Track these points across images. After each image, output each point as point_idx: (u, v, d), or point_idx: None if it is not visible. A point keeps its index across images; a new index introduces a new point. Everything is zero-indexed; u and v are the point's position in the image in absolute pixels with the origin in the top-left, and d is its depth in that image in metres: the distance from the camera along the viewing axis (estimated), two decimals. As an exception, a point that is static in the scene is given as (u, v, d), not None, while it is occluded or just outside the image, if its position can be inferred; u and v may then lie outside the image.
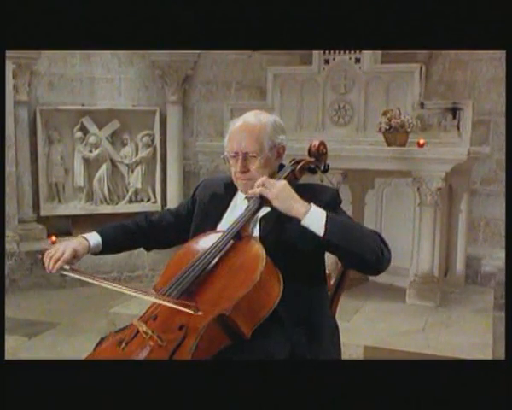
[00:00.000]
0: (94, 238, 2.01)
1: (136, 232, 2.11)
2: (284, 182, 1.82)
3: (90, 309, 4.16)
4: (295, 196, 1.77)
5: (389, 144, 3.92)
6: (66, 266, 1.87)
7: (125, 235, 2.10)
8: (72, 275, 1.87)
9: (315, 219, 1.73)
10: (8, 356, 2.70)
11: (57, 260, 1.87)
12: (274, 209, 1.83)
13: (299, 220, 1.74)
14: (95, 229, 2.06)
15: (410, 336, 3.41)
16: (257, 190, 1.79)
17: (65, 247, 1.91)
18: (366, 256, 1.76)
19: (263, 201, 1.83)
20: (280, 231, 1.85)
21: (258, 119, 1.93)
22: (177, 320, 1.68)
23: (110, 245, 2.05)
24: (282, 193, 1.77)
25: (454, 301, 4.02)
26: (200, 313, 1.62)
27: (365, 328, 3.52)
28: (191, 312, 1.62)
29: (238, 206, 1.97)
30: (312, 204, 1.75)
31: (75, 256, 1.91)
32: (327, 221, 1.73)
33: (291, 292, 1.76)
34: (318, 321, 1.90)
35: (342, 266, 2.08)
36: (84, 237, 2.00)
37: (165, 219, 2.16)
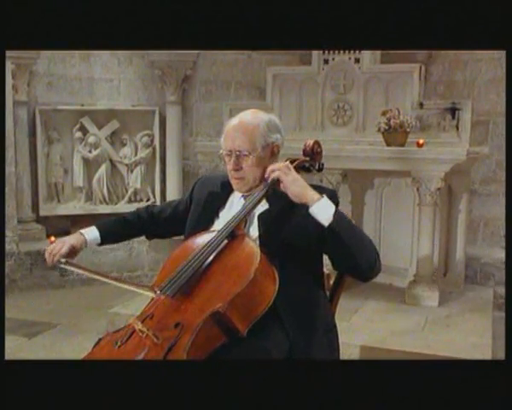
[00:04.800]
0: (91, 233, 2.14)
1: (135, 224, 2.24)
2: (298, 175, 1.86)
3: (90, 309, 4.15)
4: (308, 186, 1.82)
5: (388, 144, 3.92)
6: (63, 260, 2.01)
7: (123, 228, 2.24)
8: (68, 268, 2.04)
9: (324, 208, 1.77)
10: (8, 356, 2.69)
11: (55, 254, 2.00)
12: (272, 206, 1.88)
13: (306, 208, 1.77)
14: (95, 222, 2.20)
15: (410, 335, 3.40)
16: (276, 173, 1.82)
17: (63, 242, 2.04)
18: (362, 260, 1.80)
19: (268, 190, 1.86)
20: (279, 229, 1.87)
21: (253, 117, 1.95)
22: (172, 318, 1.70)
23: (108, 238, 2.19)
24: (298, 180, 1.81)
25: (453, 301, 4.01)
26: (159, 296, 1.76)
27: (365, 328, 3.51)
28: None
29: (235, 204, 1.99)
30: (325, 195, 1.79)
31: (73, 251, 2.05)
32: (335, 213, 1.76)
33: (289, 291, 1.78)
34: (316, 321, 1.90)
35: (333, 268, 2.06)
36: (81, 233, 2.13)
37: (165, 212, 2.24)
